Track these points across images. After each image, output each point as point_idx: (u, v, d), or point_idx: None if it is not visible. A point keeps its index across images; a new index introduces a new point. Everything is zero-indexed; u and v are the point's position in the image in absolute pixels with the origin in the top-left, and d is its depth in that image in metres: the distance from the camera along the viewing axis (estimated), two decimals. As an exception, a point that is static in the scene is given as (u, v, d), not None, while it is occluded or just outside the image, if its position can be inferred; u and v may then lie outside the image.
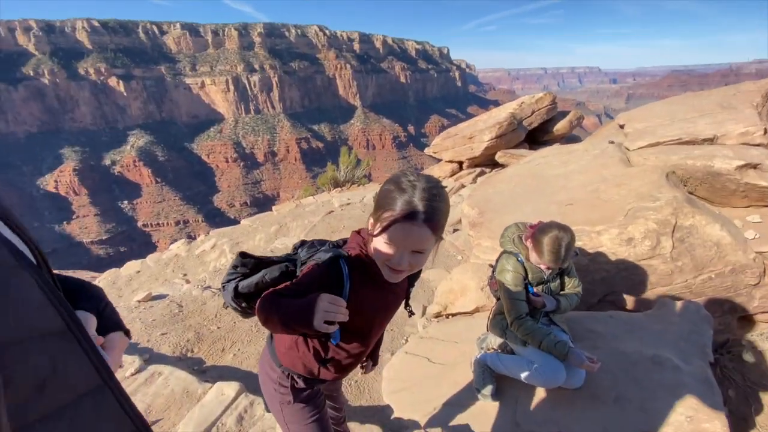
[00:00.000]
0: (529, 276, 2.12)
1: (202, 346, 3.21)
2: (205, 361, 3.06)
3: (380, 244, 1.06)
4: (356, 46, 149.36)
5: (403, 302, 1.35)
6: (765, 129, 3.92)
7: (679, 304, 2.61)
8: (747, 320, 3.17)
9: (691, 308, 2.53)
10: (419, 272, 1.37)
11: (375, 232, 1.06)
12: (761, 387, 2.84)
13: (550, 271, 2.13)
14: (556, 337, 1.99)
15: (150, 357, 2.97)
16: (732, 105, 4.74)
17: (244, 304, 1.28)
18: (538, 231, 2.00)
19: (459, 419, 2.27)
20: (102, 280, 6.51)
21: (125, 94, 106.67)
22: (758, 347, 3.05)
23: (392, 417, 2.48)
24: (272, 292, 1.12)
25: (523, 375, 2.12)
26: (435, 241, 1.06)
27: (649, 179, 3.44)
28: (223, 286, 1.28)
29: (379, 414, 2.55)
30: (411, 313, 1.36)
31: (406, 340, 3.32)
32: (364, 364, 1.61)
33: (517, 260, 2.10)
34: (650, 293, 2.93)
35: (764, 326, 3.19)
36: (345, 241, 1.26)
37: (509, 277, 2.07)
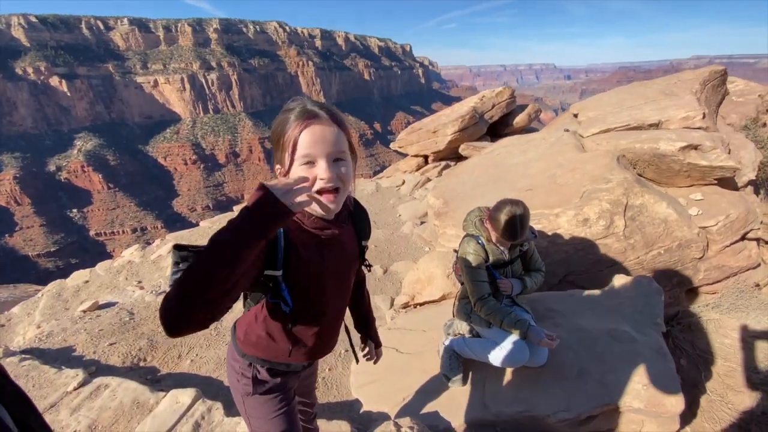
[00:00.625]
0: (491, 258, 2.12)
1: (156, 353, 3.00)
2: (159, 369, 2.86)
3: (298, 171, 0.95)
4: (318, 43, 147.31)
5: (361, 263, 1.29)
6: (703, 113, 4.19)
7: (632, 279, 2.72)
8: (694, 293, 3.37)
9: (643, 283, 2.64)
10: (369, 226, 1.28)
11: (287, 162, 0.96)
12: (710, 355, 3.02)
13: (512, 250, 2.15)
14: (516, 316, 2.02)
15: (96, 369, 2.73)
16: (674, 92, 5.03)
17: None
18: (493, 210, 2.03)
19: (429, 407, 2.25)
20: (46, 292, 5.99)
21: (69, 94, 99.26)
22: (705, 318, 3.25)
23: (361, 411, 2.42)
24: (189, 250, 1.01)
25: (489, 357, 2.13)
26: (348, 146, 1.00)
27: (601, 163, 3.58)
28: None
29: (347, 409, 2.47)
30: (368, 267, 1.30)
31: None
32: (366, 352, 1.54)
33: (478, 242, 2.10)
34: (606, 271, 3.04)
35: (709, 297, 3.40)
36: None
37: (471, 259, 2.07)
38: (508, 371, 2.20)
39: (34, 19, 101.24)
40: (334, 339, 1.30)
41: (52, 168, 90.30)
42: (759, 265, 3.35)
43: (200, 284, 0.78)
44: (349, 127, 1.04)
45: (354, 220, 1.23)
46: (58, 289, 5.95)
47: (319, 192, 0.97)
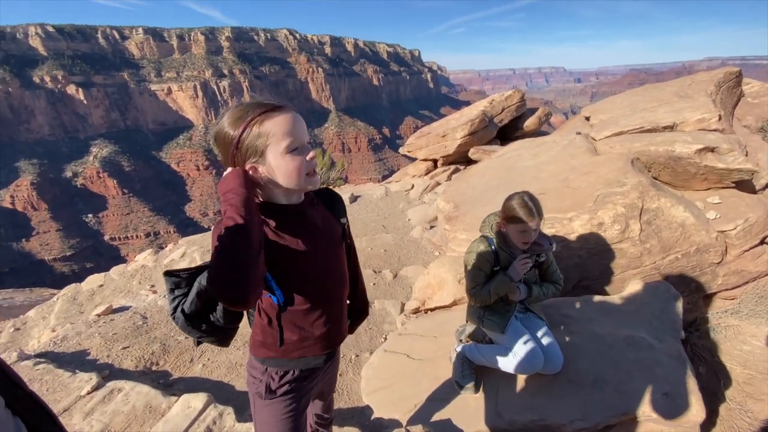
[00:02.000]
0: (501, 261, 2.09)
1: (168, 357, 3.02)
2: (171, 373, 2.88)
3: (287, 160, 1.01)
4: (327, 50, 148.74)
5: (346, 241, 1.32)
6: (719, 115, 4.10)
7: (649, 284, 2.66)
8: (712, 298, 3.28)
9: (661, 288, 2.58)
10: (342, 204, 1.32)
11: (272, 152, 1.00)
12: (729, 362, 2.93)
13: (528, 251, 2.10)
14: (497, 279, 2.03)
15: (110, 373, 2.76)
16: (688, 94, 4.94)
17: (204, 326, 1.15)
18: (502, 205, 2.02)
19: (441, 414, 2.22)
20: (61, 296, 6.10)
21: (85, 102, 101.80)
22: (723, 324, 3.16)
23: (372, 417, 2.39)
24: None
25: (502, 364, 2.09)
26: None
27: (615, 166, 3.52)
28: (174, 318, 1.14)
29: (358, 415, 2.46)
30: (349, 242, 1.34)
31: (385, 338, 3.25)
32: None
33: (490, 246, 2.07)
34: (622, 276, 2.98)
35: (728, 303, 3.31)
36: None
37: (473, 258, 2.07)
38: (522, 378, 2.16)
39: (51, 29, 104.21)
40: (341, 326, 1.31)
41: (68, 174, 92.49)
42: (780, 270, 3.24)
43: (235, 246, 0.88)
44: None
45: (323, 202, 1.26)
46: (74, 293, 6.06)
47: (307, 174, 1.07)
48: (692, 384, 1.92)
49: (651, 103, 5.03)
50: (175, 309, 1.12)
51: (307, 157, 1.05)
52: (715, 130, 3.98)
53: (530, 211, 1.90)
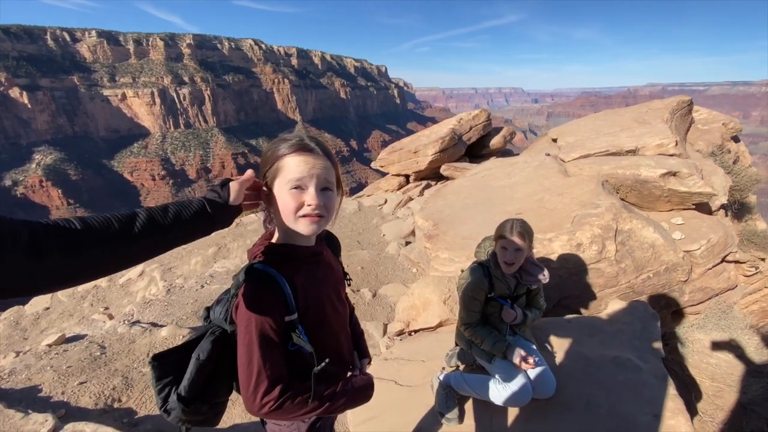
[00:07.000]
0: (495, 289, 2.09)
1: (132, 393, 2.75)
2: (136, 411, 2.61)
3: (286, 194, 0.97)
4: (294, 61, 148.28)
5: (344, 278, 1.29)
6: (676, 141, 4.43)
7: (628, 304, 2.76)
8: (679, 314, 3.48)
9: (639, 307, 2.69)
10: (339, 242, 1.30)
11: (278, 183, 0.98)
12: (698, 376, 3.10)
13: (519, 287, 2.11)
14: (496, 337, 2.07)
15: (66, 412, 2.46)
16: (646, 120, 5.33)
17: (205, 407, 1.06)
18: (496, 232, 2.05)
19: (433, 444, 2.15)
20: (2, 320, 5.47)
21: (30, 106, 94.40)
22: (691, 338, 3.35)
23: (361, 450, 2.28)
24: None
25: (491, 396, 2.06)
26: (337, 180, 1.04)
27: (587, 188, 3.68)
28: (166, 412, 1.03)
29: (347, 449, 2.33)
30: (349, 281, 1.30)
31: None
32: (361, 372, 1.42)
33: (484, 273, 2.06)
34: (600, 294, 3.08)
35: (692, 318, 3.52)
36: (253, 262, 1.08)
37: (468, 286, 2.07)
38: (516, 404, 2.14)
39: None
40: (350, 355, 1.30)
41: (7, 183, 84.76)
42: (737, 286, 3.50)
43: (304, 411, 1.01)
44: (325, 143, 1.07)
45: (327, 241, 1.26)
46: (16, 316, 5.47)
47: (304, 216, 0.99)
48: (679, 404, 1.99)
49: (613, 128, 5.37)
50: (165, 399, 1.02)
51: (308, 198, 0.98)
52: (673, 155, 4.29)
53: (519, 232, 1.94)
